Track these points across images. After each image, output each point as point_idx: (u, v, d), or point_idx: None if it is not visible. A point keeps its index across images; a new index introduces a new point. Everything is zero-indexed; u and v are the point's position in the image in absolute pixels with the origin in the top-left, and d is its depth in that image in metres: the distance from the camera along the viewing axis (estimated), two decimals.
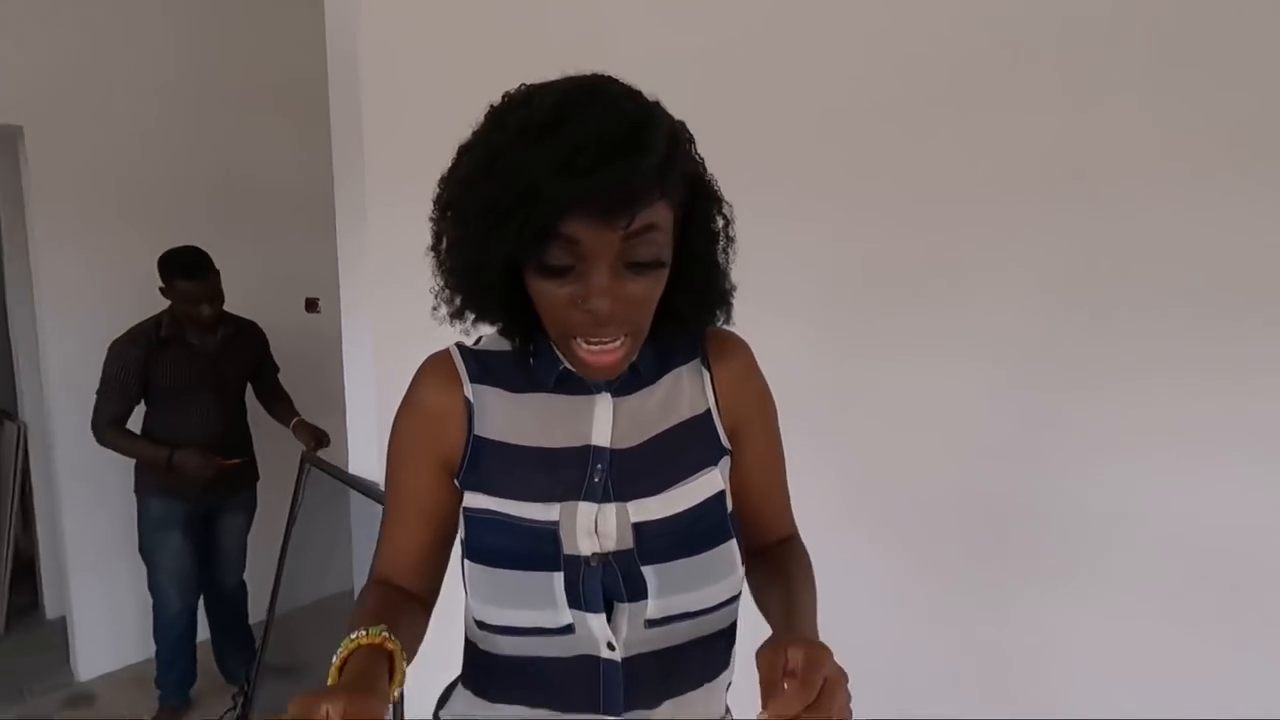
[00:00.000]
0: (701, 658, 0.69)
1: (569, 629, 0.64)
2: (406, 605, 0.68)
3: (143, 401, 2.21)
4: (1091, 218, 1.24)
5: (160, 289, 2.14)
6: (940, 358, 1.48)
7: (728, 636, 0.71)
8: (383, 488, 0.76)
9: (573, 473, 0.67)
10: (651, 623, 0.64)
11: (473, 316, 0.66)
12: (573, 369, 0.65)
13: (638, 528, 0.66)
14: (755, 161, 1.81)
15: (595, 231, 0.54)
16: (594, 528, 0.65)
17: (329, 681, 0.55)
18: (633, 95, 0.58)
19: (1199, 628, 1.09)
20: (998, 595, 1.42)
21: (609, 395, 0.69)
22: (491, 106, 0.59)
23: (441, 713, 0.76)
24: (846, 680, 0.53)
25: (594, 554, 0.65)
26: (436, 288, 0.65)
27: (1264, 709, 1.01)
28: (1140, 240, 1.17)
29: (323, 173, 1.82)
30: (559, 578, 0.64)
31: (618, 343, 0.60)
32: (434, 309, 0.66)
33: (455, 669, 0.78)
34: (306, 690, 0.48)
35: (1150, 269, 1.15)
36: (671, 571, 0.65)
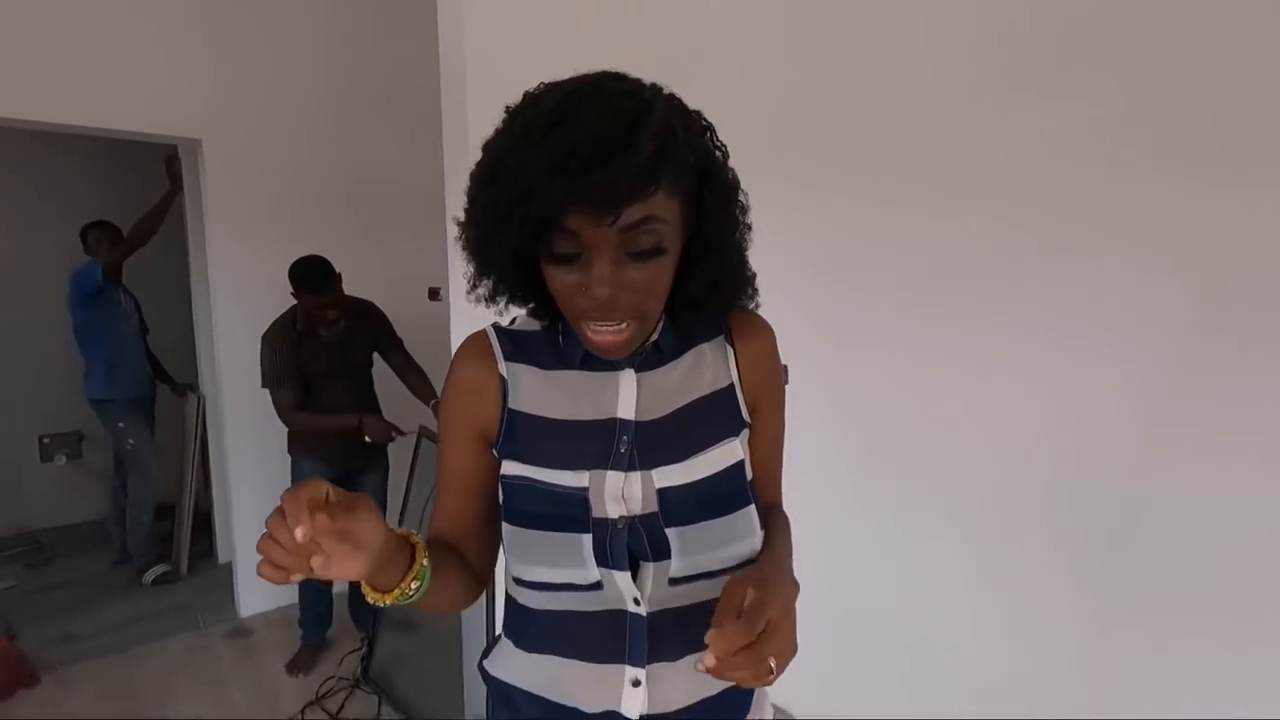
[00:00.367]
0: None
1: (597, 585, 0.68)
2: (449, 552, 0.73)
3: None
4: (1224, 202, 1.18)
5: (291, 293, 2.40)
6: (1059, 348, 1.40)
7: None
8: None
9: (600, 444, 0.71)
10: (675, 580, 0.69)
11: (504, 299, 0.71)
12: None
13: (662, 493, 0.69)
14: (850, 150, 1.81)
15: (590, 226, 0.58)
16: (621, 494, 0.69)
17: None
18: (634, 93, 0.60)
19: None
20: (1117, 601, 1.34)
21: (633, 371, 0.73)
22: (508, 107, 0.63)
23: (485, 662, 0.80)
24: (790, 623, 0.58)
25: (621, 517, 0.69)
26: (468, 273, 0.70)
27: None
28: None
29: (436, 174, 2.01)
30: (588, 539, 0.68)
31: (622, 326, 0.64)
32: (468, 291, 0.71)
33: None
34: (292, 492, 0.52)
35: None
36: (693, 533, 0.69)
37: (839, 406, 2.03)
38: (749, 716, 0.78)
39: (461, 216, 0.68)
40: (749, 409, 0.77)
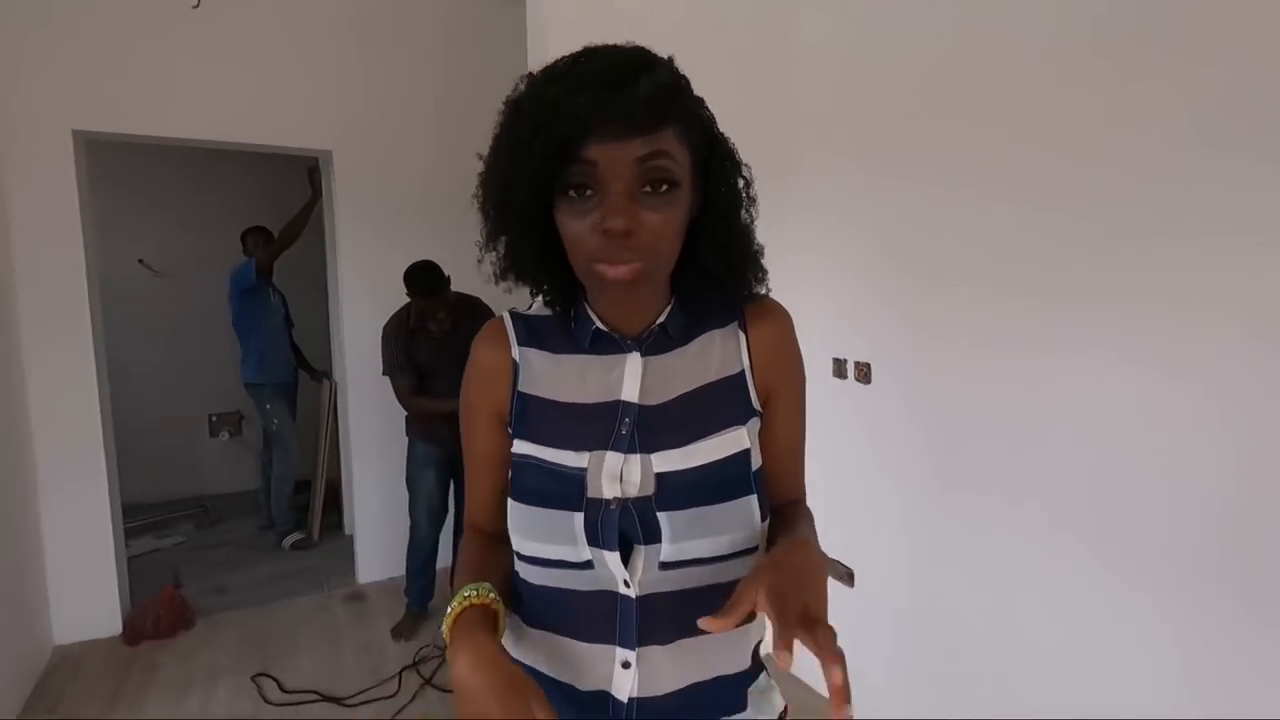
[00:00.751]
0: (715, 605, 0.70)
1: (588, 564, 0.69)
2: (495, 550, 0.76)
3: None
4: None
5: (405, 293, 2.61)
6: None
7: None
8: None
9: (602, 425, 0.71)
10: (665, 565, 0.68)
11: (513, 274, 0.72)
12: (603, 328, 0.72)
13: (660, 477, 0.69)
14: (943, 139, 1.73)
15: (610, 151, 0.59)
16: (619, 475, 0.69)
17: (444, 628, 0.64)
18: (645, 50, 0.65)
19: None
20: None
21: (638, 355, 0.73)
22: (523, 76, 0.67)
23: (505, 642, 0.82)
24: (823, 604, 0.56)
25: (614, 498, 0.69)
26: (480, 238, 0.71)
27: None
28: None
29: None
30: (579, 517, 0.68)
31: (635, 264, 0.63)
32: (478, 261, 0.72)
33: None
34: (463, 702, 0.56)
35: None
36: (685, 518, 0.68)
37: (920, 403, 1.93)
38: (748, 715, 0.76)
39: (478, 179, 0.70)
40: (763, 398, 0.75)
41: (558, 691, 0.72)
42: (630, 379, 0.73)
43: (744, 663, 0.74)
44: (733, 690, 0.75)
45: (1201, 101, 1.24)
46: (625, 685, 0.70)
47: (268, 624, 2.85)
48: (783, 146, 2.33)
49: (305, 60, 2.92)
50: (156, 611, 2.76)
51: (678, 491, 0.69)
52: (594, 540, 0.68)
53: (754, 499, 0.71)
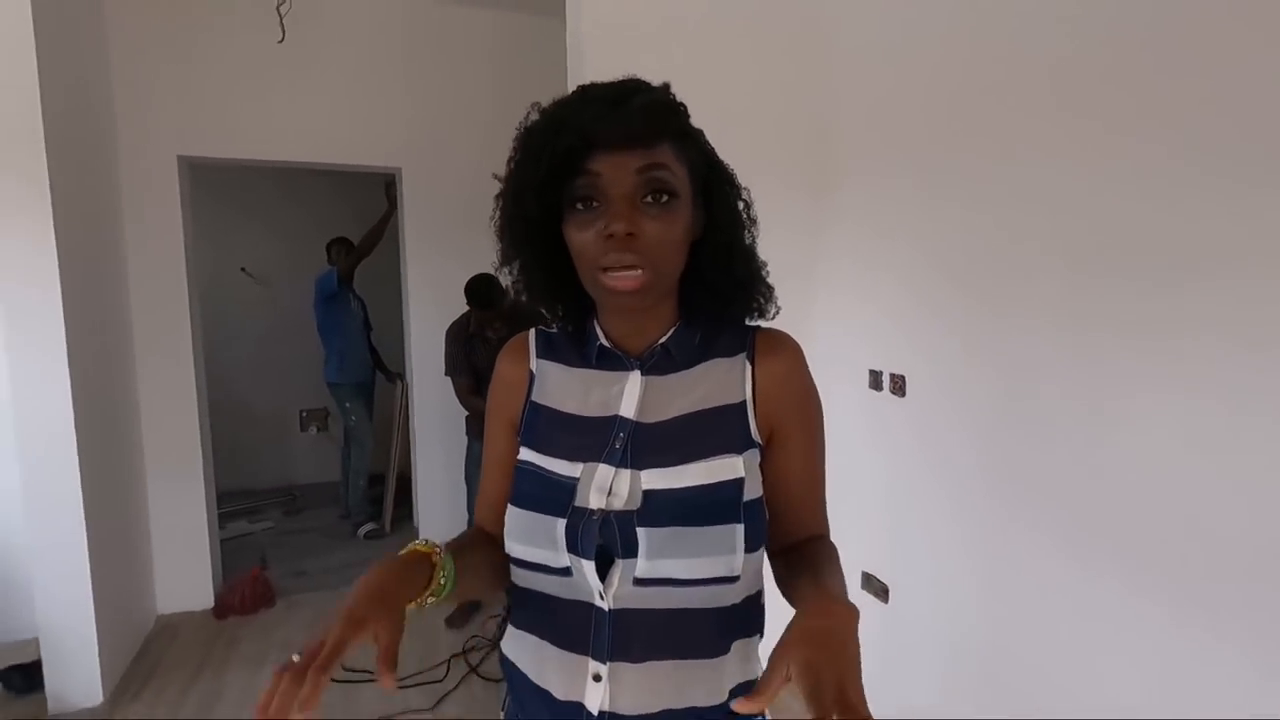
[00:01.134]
0: (689, 630, 0.70)
1: (567, 571, 0.70)
2: (486, 540, 0.79)
3: None
4: None
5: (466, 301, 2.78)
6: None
7: (723, 621, 0.71)
8: None
9: (598, 438, 0.73)
10: (640, 580, 0.68)
11: (527, 294, 0.77)
12: (607, 344, 0.76)
13: (648, 494, 0.70)
14: (981, 150, 1.70)
15: (612, 163, 0.65)
16: (608, 488, 0.70)
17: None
18: (642, 79, 0.71)
19: None
20: None
21: (639, 373, 0.75)
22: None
23: (503, 642, 0.82)
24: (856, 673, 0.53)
25: (598, 509, 0.70)
26: (496, 259, 0.77)
27: None
28: None
29: None
30: (561, 523, 0.70)
31: (638, 271, 0.67)
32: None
33: None
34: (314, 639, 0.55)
35: None
36: (664, 536, 0.68)
37: (956, 417, 1.89)
38: None
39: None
40: (766, 431, 0.75)
41: (538, 698, 0.74)
42: (629, 396, 0.75)
43: (719, 696, 0.72)
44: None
45: None
46: (596, 699, 0.70)
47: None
48: (821, 162, 2.32)
49: (375, 86, 3.15)
50: (243, 590, 3.05)
51: (662, 509, 0.69)
52: (573, 547, 0.69)
53: (739, 528, 0.69)
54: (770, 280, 0.79)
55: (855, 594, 2.08)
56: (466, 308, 2.86)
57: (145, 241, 2.86)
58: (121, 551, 2.64)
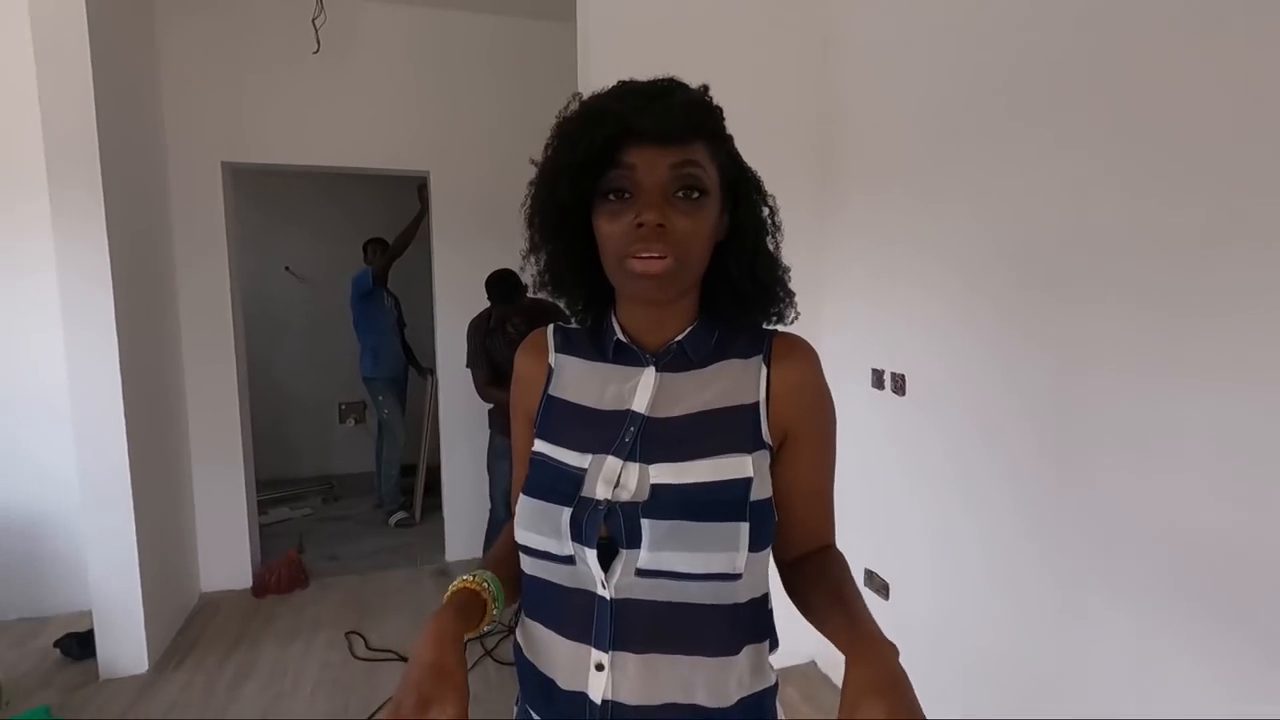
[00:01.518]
0: (689, 625, 0.70)
1: (570, 559, 0.71)
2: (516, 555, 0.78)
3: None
4: None
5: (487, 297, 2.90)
6: None
7: (726, 619, 0.71)
8: None
9: (609, 430, 0.74)
10: (642, 572, 0.68)
11: (551, 283, 0.78)
12: (624, 339, 0.77)
13: (655, 488, 0.70)
14: (982, 154, 1.71)
15: (647, 156, 0.67)
16: (615, 480, 0.71)
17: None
18: (681, 80, 0.73)
19: None
20: None
21: (654, 369, 0.76)
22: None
23: (517, 631, 0.83)
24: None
25: (605, 500, 0.70)
26: (524, 248, 0.78)
27: None
28: None
29: None
30: (567, 512, 0.71)
31: (664, 257, 0.68)
32: (520, 269, 0.80)
33: None
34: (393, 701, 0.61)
35: None
36: (667, 529, 0.68)
37: (952, 415, 1.91)
38: None
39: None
40: (778, 435, 0.75)
41: (543, 687, 0.75)
42: (643, 391, 0.75)
43: (725, 700, 0.72)
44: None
45: None
46: (599, 687, 0.70)
47: (366, 590, 3.24)
48: (830, 163, 2.35)
49: (405, 93, 3.29)
50: (279, 571, 3.23)
51: (667, 503, 0.70)
52: (577, 536, 0.70)
53: (744, 526, 0.69)
54: (792, 287, 0.80)
55: None
56: (489, 303, 2.96)
57: (191, 242, 3.05)
58: (167, 534, 2.83)
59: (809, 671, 2.44)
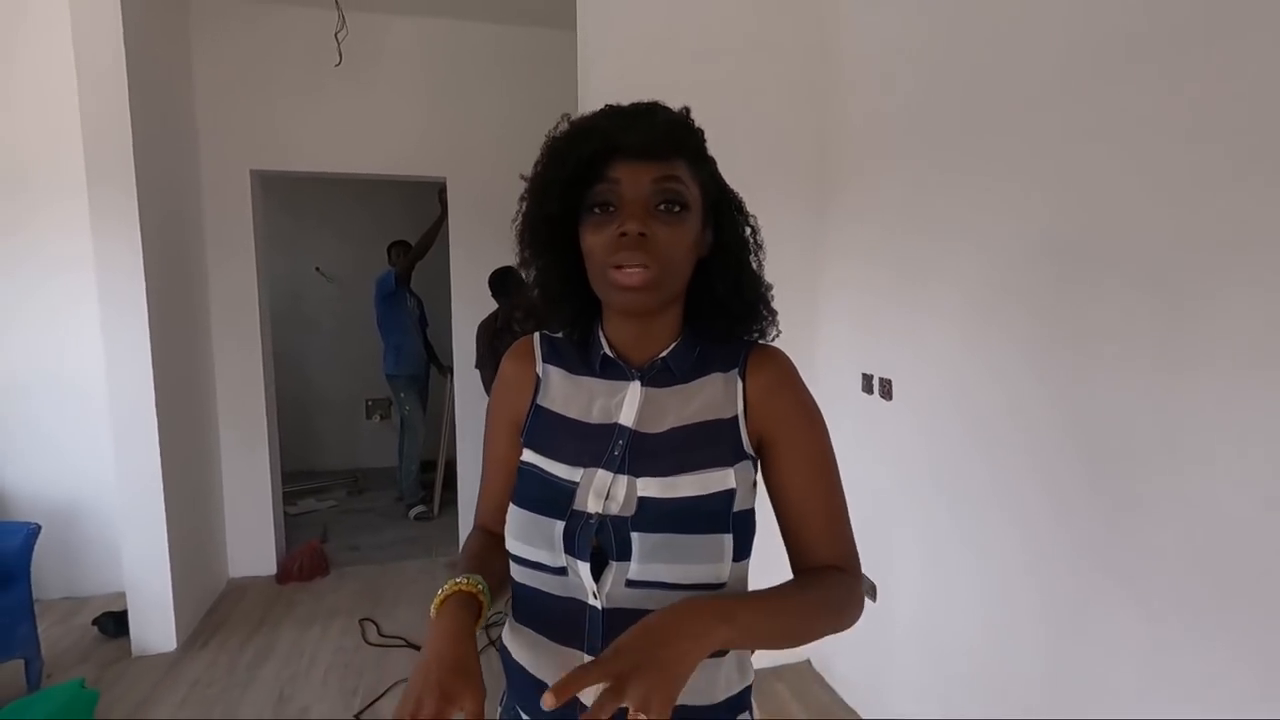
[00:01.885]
0: None
1: (563, 570, 0.72)
2: (495, 548, 0.80)
3: None
4: None
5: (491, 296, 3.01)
6: None
7: None
8: None
9: (598, 444, 0.76)
10: (632, 583, 0.70)
11: (542, 297, 0.81)
12: (610, 354, 0.79)
13: (642, 501, 0.72)
14: (972, 162, 1.72)
15: (631, 171, 0.70)
16: (605, 492, 0.73)
17: (432, 608, 0.70)
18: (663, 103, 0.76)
19: None
20: None
21: (639, 384, 0.78)
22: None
23: (503, 633, 0.85)
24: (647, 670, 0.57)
25: (596, 513, 0.72)
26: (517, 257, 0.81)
27: None
28: None
29: None
30: (560, 525, 0.72)
31: (646, 268, 0.70)
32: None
33: None
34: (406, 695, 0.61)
35: None
36: (656, 541, 0.70)
37: (939, 419, 1.93)
38: None
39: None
40: (757, 443, 0.77)
41: (536, 689, 0.75)
42: (629, 405, 0.78)
43: (712, 697, 0.74)
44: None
45: None
46: (590, 692, 0.68)
47: (383, 580, 3.37)
48: (821, 171, 2.38)
49: (422, 101, 3.41)
50: (301, 560, 3.38)
51: (655, 516, 0.72)
52: (569, 549, 0.72)
53: (727, 539, 0.72)
54: (774, 305, 0.82)
55: None
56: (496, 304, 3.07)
57: (222, 245, 3.21)
58: (197, 524, 3.00)
59: (803, 670, 2.48)
